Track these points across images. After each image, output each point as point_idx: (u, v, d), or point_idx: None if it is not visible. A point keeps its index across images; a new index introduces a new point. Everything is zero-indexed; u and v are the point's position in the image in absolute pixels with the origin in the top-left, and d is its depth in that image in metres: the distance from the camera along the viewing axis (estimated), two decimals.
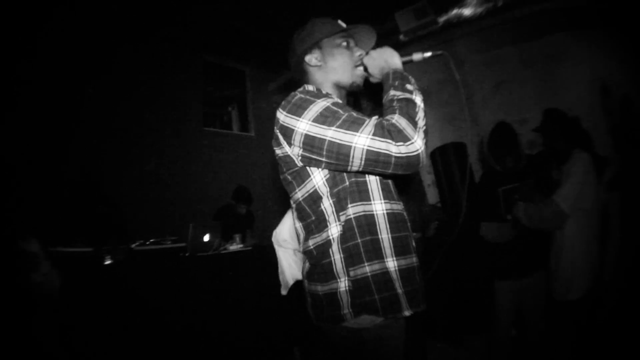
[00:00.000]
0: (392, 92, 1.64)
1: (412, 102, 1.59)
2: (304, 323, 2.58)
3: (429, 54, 1.81)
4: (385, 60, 1.77)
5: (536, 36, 5.22)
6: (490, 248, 3.63)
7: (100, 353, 3.00)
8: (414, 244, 1.76)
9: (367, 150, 1.50)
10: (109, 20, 4.58)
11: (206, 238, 4.08)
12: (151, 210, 4.85)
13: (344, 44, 1.87)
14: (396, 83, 1.66)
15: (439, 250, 2.28)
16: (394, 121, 1.51)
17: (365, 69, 1.83)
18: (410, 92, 1.62)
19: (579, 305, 3.15)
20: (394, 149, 1.47)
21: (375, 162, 1.51)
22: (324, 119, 1.58)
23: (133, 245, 3.73)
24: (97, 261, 3.36)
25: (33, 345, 2.82)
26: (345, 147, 1.53)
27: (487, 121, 5.37)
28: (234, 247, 4.43)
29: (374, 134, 1.50)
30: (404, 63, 1.78)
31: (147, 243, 3.86)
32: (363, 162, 1.53)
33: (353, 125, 1.53)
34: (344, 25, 1.87)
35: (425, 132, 1.57)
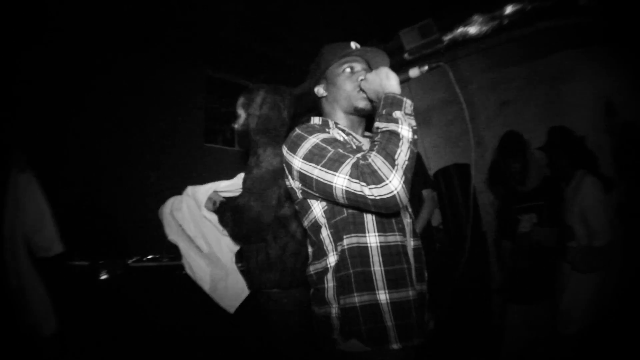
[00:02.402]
0: (376, 124, 1.61)
1: (394, 135, 1.52)
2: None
3: (425, 67, 1.76)
4: (380, 83, 1.70)
5: (541, 55, 5.20)
6: (505, 271, 3.62)
7: None
8: (414, 276, 1.73)
9: (345, 190, 1.52)
10: (109, 32, 4.57)
11: None
12: (149, 226, 4.77)
13: (347, 70, 1.89)
14: (383, 112, 1.60)
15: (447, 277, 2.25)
16: (369, 160, 1.49)
17: (367, 96, 1.81)
18: (396, 121, 1.56)
19: (579, 338, 3.11)
20: (367, 191, 1.45)
21: (355, 202, 1.53)
22: (312, 156, 1.62)
23: (130, 261, 3.69)
24: (93, 275, 3.32)
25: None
26: (328, 187, 1.57)
27: (491, 142, 5.33)
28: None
29: (350, 175, 1.50)
30: (401, 82, 1.72)
31: (144, 259, 3.81)
32: (345, 201, 1.56)
33: (334, 165, 1.55)
34: (353, 47, 1.87)
35: (407, 169, 1.49)
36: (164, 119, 5.49)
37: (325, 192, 1.60)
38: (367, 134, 2.04)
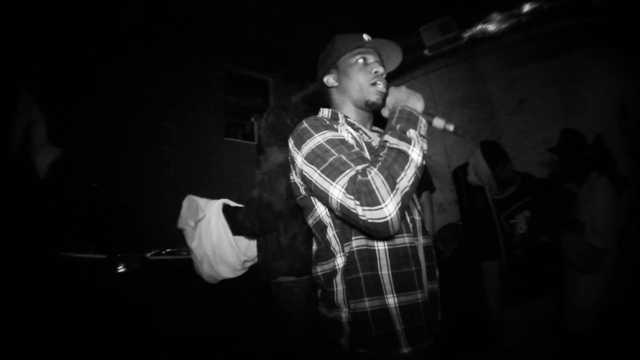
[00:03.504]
0: (386, 137, 1.49)
1: (403, 156, 1.41)
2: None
3: (451, 127, 1.57)
4: (406, 99, 1.59)
5: (558, 54, 5.14)
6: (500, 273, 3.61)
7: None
8: (424, 276, 1.68)
9: (340, 204, 1.42)
10: (130, 26, 4.61)
11: None
12: (168, 220, 4.82)
13: (360, 61, 1.80)
14: (397, 126, 1.50)
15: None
16: (369, 178, 1.36)
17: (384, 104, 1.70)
18: (409, 141, 1.45)
19: (591, 336, 3.09)
20: (360, 211, 1.35)
21: (348, 217, 1.44)
22: (314, 157, 1.53)
23: (148, 255, 3.70)
24: (110, 269, 3.35)
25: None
26: (324, 194, 1.48)
27: (509, 140, 5.29)
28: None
29: (346, 189, 1.40)
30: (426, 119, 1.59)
31: (163, 253, 3.84)
32: (339, 213, 1.47)
33: (333, 173, 1.45)
34: (365, 39, 1.80)
35: (406, 195, 1.38)
36: (184, 113, 5.54)
37: (321, 199, 1.53)
38: (375, 128, 1.95)
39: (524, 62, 5.42)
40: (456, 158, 6.00)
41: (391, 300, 1.55)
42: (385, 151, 1.44)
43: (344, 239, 1.61)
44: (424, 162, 1.48)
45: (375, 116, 1.89)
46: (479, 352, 4.30)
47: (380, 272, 1.56)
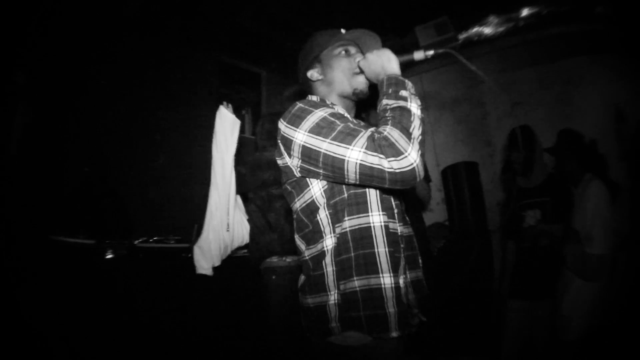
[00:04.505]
0: (384, 101, 1.57)
1: (406, 111, 1.50)
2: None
3: (431, 52, 1.73)
4: (382, 65, 1.67)
5: (554, 59, 5.19)
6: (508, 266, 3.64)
7: (93, 347, 2.98)
8: (403, 263, 1.69)
9: (360, 164, 1.44)
10: (122, 12, 4.57)
11: None
12: (156, 208, 4.80)
13: (343, 52, 1.84)
14: (389, 90, 1.58)
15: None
16: (385, 133, 1.43)
17: (364, 76, 1.77)
18: (405, 99, 1.54)
19: (577, 346, 3.11)
20: (386, 164, 1.39)
21: (370, 177, 1.45)
22: (319, 129, 1.54)
23: (136, 242, 3.70)
24: (99, 254, 3.33)
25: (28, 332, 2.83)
26: (338, 161, 1.48)
27: (500, 142, 5.33)
28: (240, 252, 4.34)
29: (366, 148, 1.43)
30: (405, 64, 1.72)
31: (150, 240, 3.83)
32: (358, 176, 1.47)
33: (347, 138, 1.48)
34: (343, 32, 1.84)
35: (422, 143, 1.47)
36: (176, 102, 5.50)
37: (333, 167, 1.50)
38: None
39: (519, 65, 5.47)
40: (445, 157, 6.04)
41: (388, 279, 1.57)
42: (389, 112, 1.51)
43: (335, 219, 1.63)
44: (423, 115, 1.55)
45: (357, 108, 1.95)
46: (476, 351, 4.33)
47: (376, 250, 1.58)
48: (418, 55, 1.74)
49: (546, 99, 5.33)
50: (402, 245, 1.69)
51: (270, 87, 7.04)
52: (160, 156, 5.14)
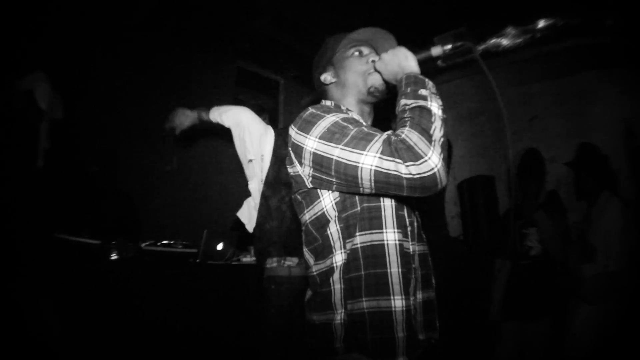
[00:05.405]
0: (403, 101, 1.47)
1: (425, 111, 1.40)
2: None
3: (449, 46, 1.67)
4: (399, 64, 1.60)
5: (570, 72, 5.15)
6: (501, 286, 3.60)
7: (93, 348, 2.96)
8: (420, 282, 1.61)
9: (375, 171, 1.34)
10: (143, 15, 4.60)
11: (220, 247, 4.02)
12: (167, 211, 4.79)
13: (356, 53, 1.80)
14: (408, 90, 1.48)
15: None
16: (403, 136, 1.33)
17: (382, 77, 1.70)
18: (425, 98, 1.44)
19: None
20: (404, 169, 1.29)
21: (386, 185, 1.35)
22: (331, 135, 1.45)
23: (143, 245, 3.67)
24: (103, 255, 3.31)
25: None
26: (351, 168, 1.39)
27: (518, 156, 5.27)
28: (248, 259, 4.30)
29: (382, 153, 1.33)
30: (422, 62, 1.64)
31: (158, 244, 3.80)
32: (373, 184, 1.37)
33: (360, 143, 1.38)
34: (355, 35, 1.79)
35: (444, 146, 1.36)
36: (192, 107, 5.51)
37: (346, 175, 1.41)
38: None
39: (535, 79, 5.41)
40: (462, 171, 5.97)
41: (399, 302, 1.47)
42: (407, 112, 1.42)
43: (347, 234, 1.53)
44: (445, 116, 1.46)
45: (375, 114, 1.89)
46: None
47: (389, 270, 1.49)
48: (436, 51, 1.68)
49: (562, 112, 5.27)
50: (413, 265, 1.59)
51: (289, 95, 7.03)
52: (173, 160, 5.14)
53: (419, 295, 1.60)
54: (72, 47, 4.17)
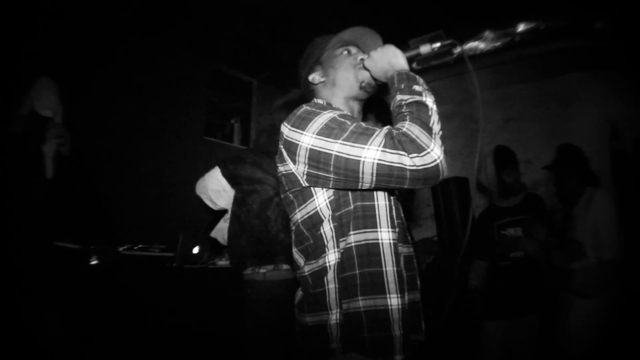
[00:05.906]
0: (398, 97, 1.48)
1: (423, 105, 1.42)
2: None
3: (437, 44, 1.67)
4: (389, 62, 1.60)
5: (548, 75, 5.23)
6: (482, 287, 3.61)
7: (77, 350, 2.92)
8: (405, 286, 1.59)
9: (378, 164, 1.34)
10: (113, 16, 4.52)
11: (195, 250, 3.97)
12: (142, 214, 4.71)
13: (345, 52, 1.80)
14: (402, 86, 1.50)
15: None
16: (404, 129, 1.35)
17: (371, 74, 1.69)
18: (420, 93, 1.46)
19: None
20: (408, 161, 1.30)
21: (388, 177, 1.34)
22: (329, 131, 1.44)
23: (120, 249, 3.63)
24: (83, 260, 3.28)
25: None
26: (352, 162, 1.37)
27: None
28: (223, 262, 4.26)
29: (384, 146, 1.33)
30: (411, 59, 1.64)
31: (135, 248, 3.75)
32: (374, 177, 1.36)
33: (361, 137, 1.38)
34: (343, 35, 1.80)
35: (443, 138, 1.38)
36: (165, 108, 5.43)
37: (346, 170, 1.39)
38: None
39: (513, 81, 5.48)
40: None
41: (395, 300, 1.47)
42: (405, 107, 1.44)
43: (340, 233, 1.52)
44: (438, 110, 1.47)
45: (363, 112, 1.90)
46: None
47: (384, 269, 1.48)
48: (424, 48, 1.67)
49: (539, 115, 5.35)
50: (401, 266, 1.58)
51: (261, 97, 6.99)
52: (149, 162, 5.05)
53: (406, 296, 1.58)
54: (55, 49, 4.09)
